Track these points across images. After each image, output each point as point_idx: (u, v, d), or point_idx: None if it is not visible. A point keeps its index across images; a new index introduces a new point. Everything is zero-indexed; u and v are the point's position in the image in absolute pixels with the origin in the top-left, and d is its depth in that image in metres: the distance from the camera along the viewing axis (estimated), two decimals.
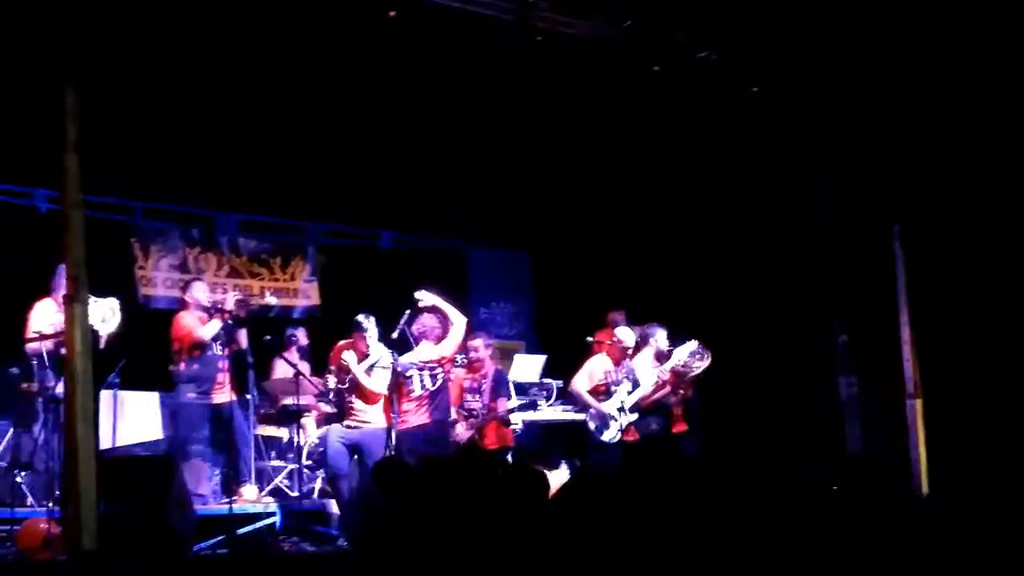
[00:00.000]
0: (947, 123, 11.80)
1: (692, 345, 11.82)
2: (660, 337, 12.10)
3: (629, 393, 11.66)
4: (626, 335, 11.93)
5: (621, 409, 11.55)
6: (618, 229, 14.53)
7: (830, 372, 13.48)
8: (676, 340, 11.98)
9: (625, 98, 12.34)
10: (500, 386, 11.69)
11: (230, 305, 11.09)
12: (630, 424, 11.63)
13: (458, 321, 11.17)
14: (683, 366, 11.80)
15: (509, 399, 11.72)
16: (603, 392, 11.68)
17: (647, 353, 12.08)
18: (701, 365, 11.90)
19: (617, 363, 11.84)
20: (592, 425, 11.65)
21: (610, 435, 11.56)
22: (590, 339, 12.23)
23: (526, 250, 16.05)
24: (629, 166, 13.70)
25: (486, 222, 14.91)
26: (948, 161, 11.96)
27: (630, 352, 11.94)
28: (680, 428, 12.04)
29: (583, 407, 11.87)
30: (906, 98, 11.89)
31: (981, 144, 11.70)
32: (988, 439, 11.44)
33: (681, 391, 11.97)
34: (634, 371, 11.85)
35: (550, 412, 12.72)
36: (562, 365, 13.00)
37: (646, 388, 11.73)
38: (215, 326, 10.98)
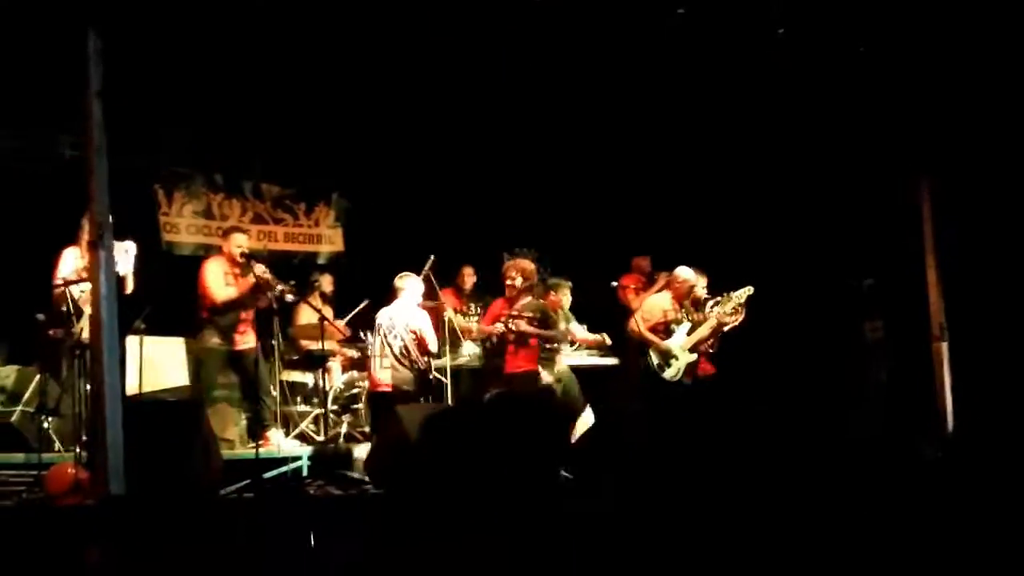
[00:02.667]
0: (975, 69, 11.70)
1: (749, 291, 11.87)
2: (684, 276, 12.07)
3: (688, 334, 11.65)
4: (688, 275, 11.90)
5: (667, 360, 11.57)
6: (646, 175, 14.44)
7: (856, 316, 13.46)
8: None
9: (651, 43, 12.23)
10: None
11: (251, 278, 11.07)
12: (688, 365, 11.63)
13: None
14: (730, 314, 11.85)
15: None
16: (662, 331, 11.68)
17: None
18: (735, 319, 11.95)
19: (679, 303, 11.83)
20: (655, 362, 11.66)
21: (671, 373, 11.56)
22: (615, 283, 12.20)
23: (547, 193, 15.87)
24: (653, 112, 13.59)
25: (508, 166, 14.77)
26: (975, 104, 11.87)
27: (694, 293, 11.92)
28: (707, 370, 12.05)
29: (643, 345, 11.85)
30: (933, 44, 11.76)
31: (1010, 89, 11.60)
32: (1015, 381, 11.41)
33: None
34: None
35: (575, 356, 12.69)
36: (586, 311, 12.98)
37: (703, 330, 11.73)
38: (230, 293, 11.00)
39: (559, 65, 12.46)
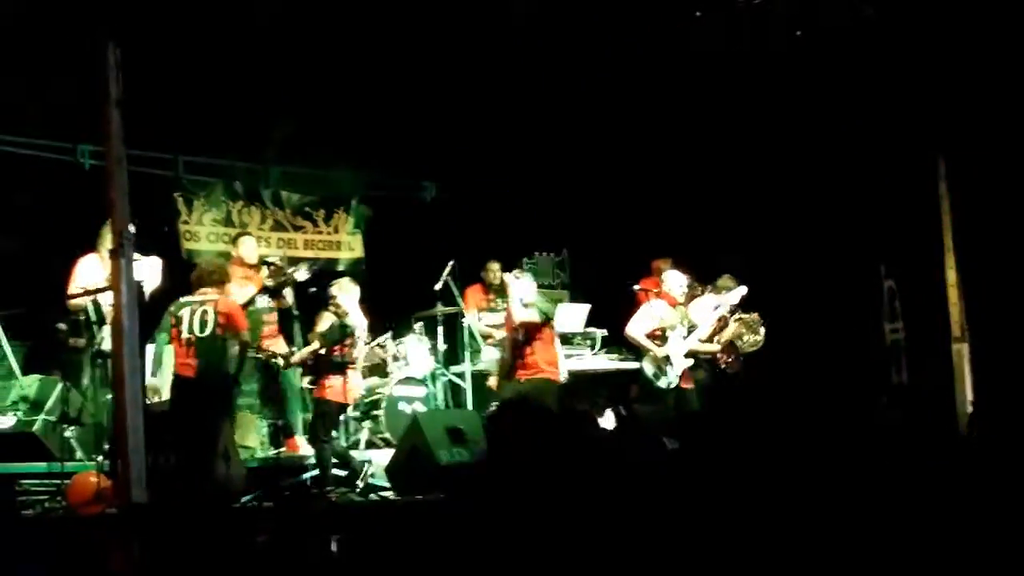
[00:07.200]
0: (994, 55, 11.58)
1: (742, 291, 11.78)
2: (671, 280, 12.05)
3: (684, 338, 11.54)
4: (676, 280, 11.84)
5: (667, 359, 11.47)
6: (662, 176, 14.37)
7: (876, 318, 13.40)
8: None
9: (667, 43, 12.21)
10: None
11: (264, 274, 11.10)
12: (685, 370, 11.53)
13: None
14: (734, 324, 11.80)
15: None
16: (659, 337, 11.59)
17: (705, 299, 11.98)
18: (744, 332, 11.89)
19: (673, 308, 11.76)
20: (649, 371, 11.57)
21: (667, 381, 11.45)
22: (636, 287, 12.16)
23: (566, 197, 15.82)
24: (671, 111, 13.54)
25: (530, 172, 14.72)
26: (994, 95, 11.75)
27: (683, 298, 11.84)
28: None
29: (639, 352, 11.82)
30: (952, 30, 11.66)
31: None
32: None
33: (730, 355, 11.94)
34: (689, 317, 11.77)
35: (595, 361, 12.68)
36: (607, 314, 12.95)
37: (703, 333, 11.62)
38: (248, 294, 11.03)
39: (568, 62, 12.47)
